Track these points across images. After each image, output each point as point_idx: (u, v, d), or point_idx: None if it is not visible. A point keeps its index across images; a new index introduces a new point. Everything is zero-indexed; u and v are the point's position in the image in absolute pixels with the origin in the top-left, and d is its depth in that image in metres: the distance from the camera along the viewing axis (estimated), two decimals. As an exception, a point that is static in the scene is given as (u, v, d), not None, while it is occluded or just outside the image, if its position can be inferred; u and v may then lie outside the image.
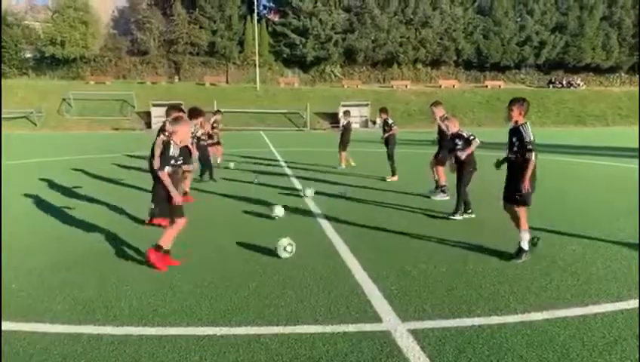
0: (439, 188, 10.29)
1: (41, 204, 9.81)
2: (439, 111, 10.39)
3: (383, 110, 13.73)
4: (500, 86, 55.83)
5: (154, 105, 42.40)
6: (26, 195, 10.57)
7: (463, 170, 8.41)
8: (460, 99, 51.28)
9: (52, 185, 12.05)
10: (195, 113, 9.74)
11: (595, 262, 6.09)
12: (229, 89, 52.28)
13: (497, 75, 58.69)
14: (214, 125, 15.21)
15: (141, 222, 8.11)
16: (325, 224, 8.09)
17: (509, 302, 4.85)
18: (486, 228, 7.72)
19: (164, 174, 5.71)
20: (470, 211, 8.46)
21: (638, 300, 4.88)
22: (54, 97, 46.32)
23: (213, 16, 54.44)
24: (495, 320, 4.45)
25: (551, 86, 56.97)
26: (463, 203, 8.41)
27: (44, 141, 29.74)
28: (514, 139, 6.03)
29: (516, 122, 6.05)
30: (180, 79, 54.97)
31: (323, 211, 9.04)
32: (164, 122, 8.10)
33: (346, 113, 16.02)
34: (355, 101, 48.11)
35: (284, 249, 6.12)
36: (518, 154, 6.00)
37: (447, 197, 9.86)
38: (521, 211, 6.06)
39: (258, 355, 3.77)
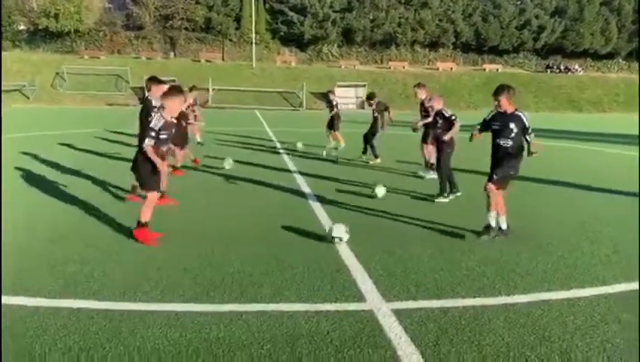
0: (429, 167, 10.53)
1: (27, 178, 9.72)
2: (422, 93, 10.59)
3: (370, 97, 13.55)
4: (497, 70, 55.40)
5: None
6: (13, 169, 10.46)
7: (443, 151, 8.41)
8: (458, 82, 51.02)
9: (39, 159, 11.91)
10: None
11: (582, 247, 6.09)
12: (225, 66, 51.73)
13: (495, 59, 58.18)
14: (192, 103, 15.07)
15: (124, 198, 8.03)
16: (315, 204, 8.05)
17: (494, 284, 4.85)
18: (475, 210, 7.65)
19: (147, 147, 5.69)
20: (456, 190, 8.49)
21: (638, 283, 4.90)
22: (48, 71, 45.72)
23: (209, -8, 53.60)
24: (479, 301, 4.45)
25: (549, 71, 56.66)
26: (447, 184, 8.40)
27: (36, 115, 29.44)
28: (511, 126, 6.01)
29: (507, 110, 6.05)
30: (175, 55, 54.29)
31: (313, 191, 9.00)
32: (146, 97, 8.02)
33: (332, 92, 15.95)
34: (352, 82, 47.83)
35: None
36: (513, 141, 6.02)
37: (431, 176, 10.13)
38: (494, 192, 6.07)
39: (238, 332, 3.76)
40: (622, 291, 4.75)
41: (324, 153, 14.01)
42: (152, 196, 5.89)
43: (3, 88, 41.01)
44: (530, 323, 4.05)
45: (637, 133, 20.62)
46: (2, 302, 4.10)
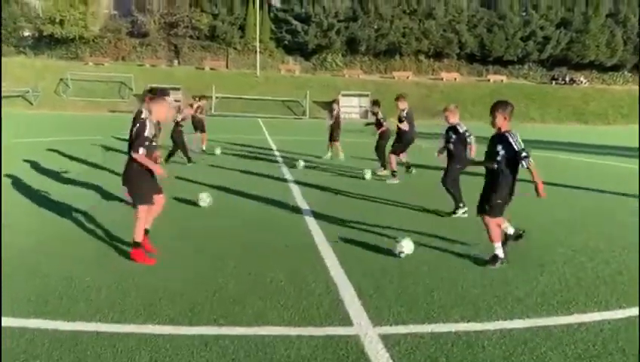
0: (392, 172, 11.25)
1: (16, 186, 9.50)
2: (403, 104, 11.37)
3: (376, 103, 13.30)
4: (502, 80, 55.30)
5: (152, 89, 41.91)
6: (5, 176, 10.25)
7: (450, 165, 8.11)
8: (461, 93, 50.81)
9: (33, 166, 11.72)
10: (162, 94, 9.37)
11: (585, 267, 5.81)
12: (229, 74, 51.77)
13: (500, 70, 58.08)
14: (198, 111, 15.01)
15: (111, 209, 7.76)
16: (309, 217, 7.77)
17: (491, 307, 4.58)
18: (475, 228, 7.39)
19: (141, 156, 5.37)
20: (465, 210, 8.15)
21: (638, 308, 4.63)
22: (52, 77, 45.84)
23: (214, 0, 53.73)
24: (473, 326, 4.17)
25: (554, 82, 56.44)
26: (461, 197, 8.06)
27: (37, 121, 29.36)
28: (498, 148, 5.54)
29: (500, 129, 5.61)
30: (179, 63, 54.39)
31: (309, 203, 8.74)
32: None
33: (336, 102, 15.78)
34: (356, 91, 47.73)
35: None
36: (501, 164, 5.55)
37: (397, 181, 11.08)
38: (489, 221, 5.64)
39: (212, 359, 3.50)
40: (626, 316, 4.46)
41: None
42: (142, 211, 5.49)
43: (5, 94, 41.21)
44: (528, 351, 3.78)
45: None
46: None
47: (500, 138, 5.58)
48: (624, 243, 6.79)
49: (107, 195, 8.70)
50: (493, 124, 5.66)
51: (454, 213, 8.08)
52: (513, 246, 6.09)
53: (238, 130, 26.47)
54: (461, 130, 8.06)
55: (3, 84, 42.24)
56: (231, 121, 34.69)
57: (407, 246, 5.80)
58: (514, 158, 5.47)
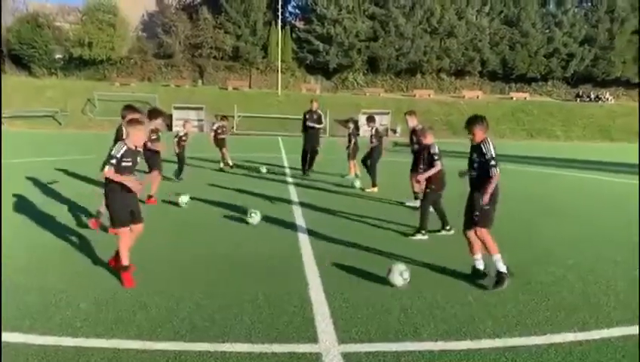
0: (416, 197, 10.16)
1: (15, 204, 9.79)
2: (412, 121, 10.36)
3: (371, 119, 13.21)
4: (525, 98, 54.72)
5: (175, 108, 42.92)
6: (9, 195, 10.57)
7: (428, 188, 7.91)
8: (484, 111, 50.20)
9: (34, 184, 12.00)
10: (154, 114, 9.57)
11: (572, 287, 5.71)
12: (251, 94, 52.48)
13: (523, 87, 57.55)
14: (219, 131, 15.55)
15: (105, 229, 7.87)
16: (303, 235, 7.81)
17: (463, 326, 4.55)
18: (465, 247, 7.33)
19: (110, 172, 5.28)
20: (449, 228, 8.00)
21: (637, 326, 4.59)
22: (80, 97, 47.14)
23: (238, 22, 54.79)
24: (439, 345, 4.16)
25: (578, 100, 55.60)
26: (426, 222, 7.82)
27: (61, 140, 30.17)
28: (474, 156, 5.73)
29: (478, 141, 5.72)
30: (203, 83, 55.40)
31: (306, 221, 8.78)
32: (120, 125, 7.76)
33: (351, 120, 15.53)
34: (376, 109, 47.77)
35: (400, 275, 5.43)
36: (478, 172, 5.66)
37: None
38: (484, 233, 5.62)
39: (169, 374, 3.57)
40: (601, 338, 4.38)
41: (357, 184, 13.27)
42: (124, 234, 5.42)
43: (36, 114, 42.74)
44: (490, 372, 3.75)
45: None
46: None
47: (476, 147, 5.71)
48: (622, 266, 6.62)
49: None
50: (473, 139, 5.76)
51: (414, 234, 7.91)
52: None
53: (256, 148, 26.73)
54: (432, 151, 7.93)
55: (36, 104, 43.90)
56: (251, 140, 35.09)
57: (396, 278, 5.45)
58: (486, 166, 5.58)
